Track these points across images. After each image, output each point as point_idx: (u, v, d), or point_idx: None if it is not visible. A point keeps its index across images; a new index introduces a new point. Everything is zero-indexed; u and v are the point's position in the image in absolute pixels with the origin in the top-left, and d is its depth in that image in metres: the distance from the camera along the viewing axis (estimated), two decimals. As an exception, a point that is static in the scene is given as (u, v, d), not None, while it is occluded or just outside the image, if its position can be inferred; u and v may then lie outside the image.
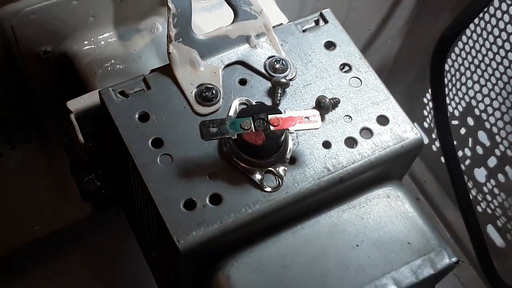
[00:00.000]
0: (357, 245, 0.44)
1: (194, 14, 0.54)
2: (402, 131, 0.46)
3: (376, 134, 0.46)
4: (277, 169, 0.43)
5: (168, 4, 0.45)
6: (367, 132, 0.46)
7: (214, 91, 0.46)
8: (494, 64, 0.74)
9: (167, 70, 0.47)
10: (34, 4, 0.48)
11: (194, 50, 0.46)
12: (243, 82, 0.47)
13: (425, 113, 0.92)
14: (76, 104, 0.47)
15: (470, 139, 0.83)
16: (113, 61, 0.54)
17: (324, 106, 0.45)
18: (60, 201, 0.71)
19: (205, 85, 0.46)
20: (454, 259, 0.44)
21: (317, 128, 0.43)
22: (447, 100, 0.84)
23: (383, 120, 0.46)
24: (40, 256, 0.77)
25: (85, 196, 0.55)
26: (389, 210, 0.45)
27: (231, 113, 0.45)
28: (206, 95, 0.45)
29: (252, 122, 0.42)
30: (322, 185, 0.44)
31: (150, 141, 0.44)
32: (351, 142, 0.45)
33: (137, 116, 0.45)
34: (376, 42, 0.83)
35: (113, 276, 0.79)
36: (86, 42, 0.53)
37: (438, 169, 0.93)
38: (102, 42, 0.54)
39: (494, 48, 0.73)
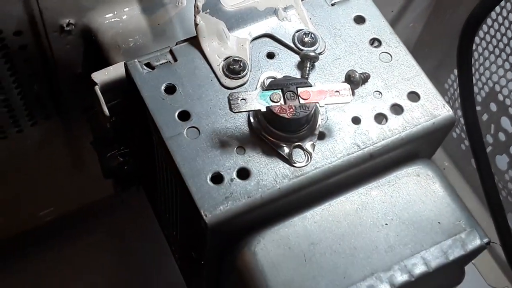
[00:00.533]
0: (386, 224, 0.43)
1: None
2: (434, 107, 0.45)
3: (406, 110, 0.44)
4: (306, 144, 0.42)
5: (196, -27, 0.44)
6: (397, 108, 0.45)
7: (241, 64, 0.45)
8: (519, 48, 0.72)
9: (194, 42, 0.46)
10: (59, -27, 0.47)
11: (222, 22, 0.45)
12: (271, 55, 0.46)
13: (446, 99, 0.90)
14: (101, 76, 0.46)
15: (492, 126, 0.82)
16: (137, 35, 0.52)
17: (354, 80, 0.44)
18: (79, 180, 0.70)
19: (232, 58, 0.45)
20: (485, 240, 0.43)
21: (348, 102, 0.42)
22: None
23: (414, 96, 0.45)
24: (57, 236, 0.76)
25: (107, 172, 0.54)
26: (419, 189, 0.44)
27: (259, 86, 0.44)
28: (233, 67, 0.44)
29: (282, 95, 0.41)
30: (352, 161, 0.43)
31: (176, 114, 0.43)
32: (381, 118, 0.44)
33: (163, 88, 0.44)
34: (398, 25, 0.82)
35: (132, 257, 0.79)
36: (109, 15, 0.52)
37: (458, 156, 0.91)
38: (126, 16, 0.53)
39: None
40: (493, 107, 0.81)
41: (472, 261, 0.83)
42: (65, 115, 0.61)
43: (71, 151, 0.66)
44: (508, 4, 0.72)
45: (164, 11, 0.53)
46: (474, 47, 0.80)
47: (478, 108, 0.83)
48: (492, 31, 0.76)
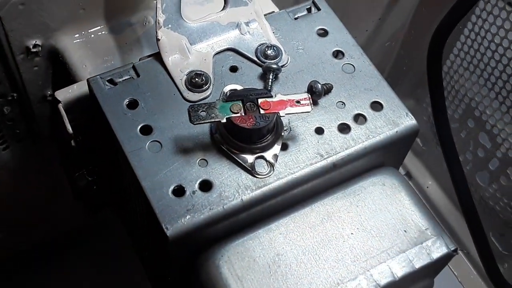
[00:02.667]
0: (352, 234, 0.43)
1: (187, 7, 0.53)
2: (397, 116, 0.45)
3: (370, 120, 0.44)
4: (269, 154, 0.42)
5: (157, -11, 0.45)
6: (360, 118, 0.45)
7: (204, 78, 0.45)
8: (493, 63, 0.73)
9: (156, 58, 0.46)
10: (23, -6, 0.48)
11: (184, 37, 0.46)
12: (234, 69, 0.46)
13: (425, 118, 0.91)
14: (64, 94, 0.46)
15: (471, 142, 0.82)
16: (104, 54, 0.53)
17: (316, 91, 0.44)
18: (54, 203, 0.69)
19: (195, 72, 0.45)
20: (452, 247, 0.43)
21: (308, 112, 0.41)
22: (447, 103, 0.83)
23: (377, 106, 0.45)
24: (34, 261, 0.75)
25: (76, 192, 0.53)
26: (384, 198, 0.44)
27: (221, 99, 0.44)
28: (196, 81, 0.44)
29: (242, 106, 0.41)
30: (315, 171, 0.42)
31: (138, 128, 0.43)
32: (344, 128, 0.44)
33: (125, 103, 0.44)
34: (374, 44, 0.82)
35: (111, 278, 0.78)
36: (76, 35, 0.53)
37: (440, 174, 0.91)
38: (93, 35, 0.53)
39: (493, 46, 0.72)
40: (471, 123, 0.81)
41: (454, 272, 0.83)
42: (38, 137, 0.61)
43: (44, 174, 0.65)
44: (480, 20, 0.73)
45: (131, 30, 0.54)
46: (449, 64, 0.81)
47: (456, 125, 0.83)
48: (465, 48, 0.77)
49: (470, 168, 0.83)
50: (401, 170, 0.96)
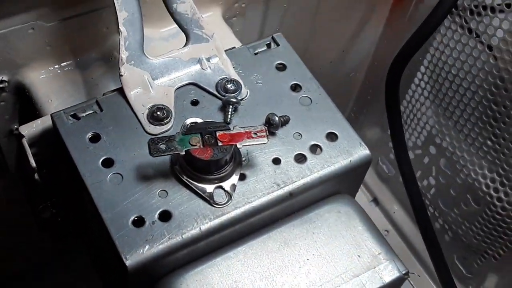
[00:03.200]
0: (308, 259, 0.44)
1: (152, 42, 0.55)
2: (351, 146, 0.47)
3: (325, 150, 0.46)
4: (227, 185, 0.44)
5: (120, 27, 0.46)
6: (316, 148, 0.46)
7: (165, 112, 0.46)
8: (451, 92, 0.76)
9: (119, 92, 0.47)
10: (-11, 32, 0.49)
11: (146, 72, 0.47)
12: (195, 102, 0.48)
13: (391, 145, 0.93)
14: (28, 129, 0.48)
15: (433, 168, 0.84)
16: (70, 89, 0.54)
17: (273, 123, 0.46)
18: (23, 242, 0.70)
19: (156, 106, 0.46)
20: (403, 271, 0.44)
21: (264, 143, 0.43)
22: (410, 131, 0.85)
23: (332, 136, 0.47)
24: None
25: (41, 224, 0.54)
26: (339, 225, 0.46)
27: (181, 131, 0.45)
28: (157, 115, 0.46)
29: (201, 138, 0.42)
30: (272, 200, 0.44)
31: (100, 161, 0.44)
32: (300, 158, 0.46)
33: (88, 137, 0.45)
34: (338, 75, 0.85)
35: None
36: (43, 71, 0.54)
37: (406, 200, 0.93)
38: (60, 71, 0.55)
39: (450, 76, 0.74)
40: (432, 149, 0.83)
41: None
42: (5, 172, 0.62)
43: (11, 206, 0.66)
44: (438, 52, 0.76)
45: (97, 66, 0.55)
46: (410, 93, 0.83)
47: (418, 151, 0.85)
48: (425, 78, 0.80)
49: (433, 193, 0.85)
50: (368, 196, 0.98)
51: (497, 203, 0.74)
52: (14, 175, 0.61)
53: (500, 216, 0.75)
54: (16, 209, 0.65)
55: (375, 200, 0.97)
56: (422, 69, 0.80)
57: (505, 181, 0.72)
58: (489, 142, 0.72)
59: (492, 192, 0.74)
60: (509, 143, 0.69)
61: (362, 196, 0.98)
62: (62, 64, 0.55)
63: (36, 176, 0.48)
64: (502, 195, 0.73)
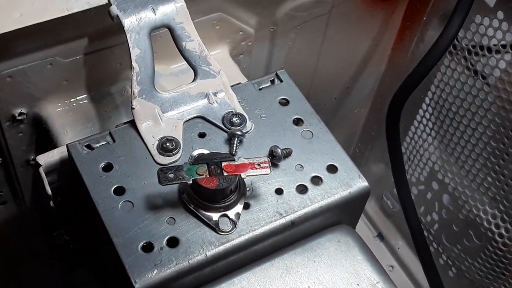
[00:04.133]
0: (309, 287, 0.46)
1: (162, 78, 0.59)
2: (350, 178, 0.49)
3: (325, 181, 0.49)
4: (232, 213, 0.46)
5: (132, 63, 0.50)
6: (317, 179, 0.49)
7: (174, 143, 0.49)
8: (452, 129, 0.78)
9: (131, 125, 0.50)
10: (10, 68, 0.52)
11: (157, 106, 0.50)
12: (202, 135, 0.51)
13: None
14: (45, 158, 0.50)
15: (436, 203, 0.86)
16: (85, 121, 0.57)
17: (276, 155, 0.48)
18: (35, 269, 0.72)
19: (166, 138, 0.49)
20: (402, 300, 0.46)
21: (267, 174, 0.46)
22: (413, 167, 0.87)
23: (332, 168, 0.49)
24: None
25: (54, 251, 0.56)
26: (339, 254, 0.48)
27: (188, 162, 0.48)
28: (166, 146, 0.49)
29: (207, 168, 0.45)
30: (275, 228, 0.46)
31: (112, 189, 0.47)
32: (302, 188, 0.48)
33: (101, 166, 0.48)
34: (343, 110, 0.88)
35: None
36: (59, 104, 0.57)
37: (392, 215, 0.94)
38: (75, 104, 0.58)
39: (451, 114, 0.77)
40: (435, 185, 0.85)
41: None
42: (21, 201, 0.64)
43: (26, 238, 0.68)
44: (438, 90, 0.79)
45: (110, 99, 0.59)
46: (413, 129, 0.86)
47: (421, 187, 0.87)
48: (427, 115, 0.82)
49: (436, 229, 0.87)
50: (373, 231, 0.99)
51: (498, 239, 0.75)
52: (29, 204, 0.64)
53: (502, 252, 0.76)
54: (30, 238, 0.67)
55: (380, 236, 0.99)
56: (424, 106, 0.82)
57: (505, 217, 0.73)
58: (489, 178, 0.74)
59: (493, 228, 0.76)
60: (509, 179, 0.71)
61: (366, 231, 0.99)
62: (77, 98, 0.58)
63: (51, 203, 0.50)
64: (503, 231, 0.75)
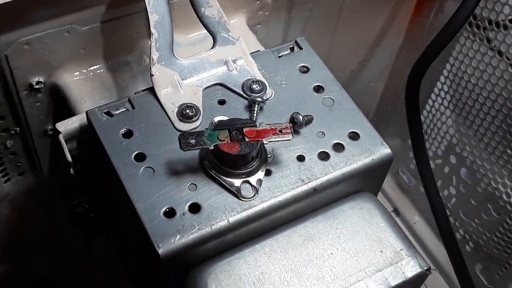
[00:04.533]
0: (332, 254, 0.46)
1: (180, 47, 0.58)
2: (372, 145, 0.49)
3: (347, 148, 0.48)
4: (253, 179, 0.46)
5: (151, 29, 0.49)
6: (339, 146, 0.48)
7: (194, 110, 0.49)
8: (471, 101, 0.77)
9: (150, 92, 0.50)
10: (28, 35, 0.52)
11: (176, 73, 0.50)
12: (222, 102, 0.50)
13: (411, 155, 0.94)
14: (65, 125, 0.50)
15: (454, 177, 0.86)
16: (102, 90, 0.57)
17: (297, 122, 0.48)
18: (54, 234, 0.72)
19: (185, 104, 0.49)
20: (425, 267, 0.46)
21: (289, 140, 0.45)
22: (430, 140, 0.87)
23: (354, 135, 0.49)
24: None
25: (74, 219, 0.56)
26: (362, 221, 0.47)
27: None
28: (186, 112, 0.48)
29: (228, 134, 0.45)
30: (297, 195, 0.46)
31: (133, 156, 0.47)
32: (324, 155, 0.48)
33: (121, 133, 0.48)
34: (359, 84, 0.87)
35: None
36: (77, 73, 0.57)
37: (427, 210, 0.94)
38: (92, 73, 0.57)
39: (470, 86, 0.76)
40: (453, 159, 0.85)
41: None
42: (39, 170, 0.64)
43: (44, 208, 0.68)
44: (457, 62, 0.78)
45: (128, 68, 0.58)
46: (431, 103, 0.85)
47: (439, 161, 0.87)
48: (445, 87, 0.82)
49: (454, 203, 0.87)
50: (388, 206, 0.99)
51: (517, 212, 0.75)
52: (47, 175, 0.64)
53: (521, 226, 0.76)
54: (49, 209, 0.68)
55: (396, 211, 0.99)
56: (442, 79, 0.81)
57: (525, 190, 0.73)
58: (508, 151, 0.74)
59: (512, 201, 0.76)
60: (528, 151, 0.71)
61: (382, 207, 0.99)
62: (94, 67, 0.57)
63: (71, 171, 0.50)
64: (522, 205, 0.74)
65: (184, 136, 0.44)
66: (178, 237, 0.43)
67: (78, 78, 0.57)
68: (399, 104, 0.91)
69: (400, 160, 0.95)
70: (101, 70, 0.58)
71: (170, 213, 0.44)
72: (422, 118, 0.86)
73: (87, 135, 0.49)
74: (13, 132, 0.59)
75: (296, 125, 0.48)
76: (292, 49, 0.54)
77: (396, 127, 0.94)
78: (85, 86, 0.57)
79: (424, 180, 0.77)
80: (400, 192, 0.97)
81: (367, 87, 0.89)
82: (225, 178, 0.45)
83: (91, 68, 0.57)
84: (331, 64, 0.78)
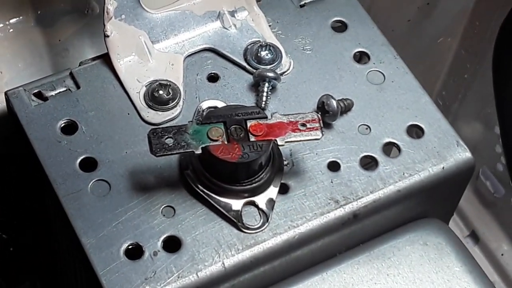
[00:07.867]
0: (380, 315, 0.46)
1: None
2: (444, 147, 0.49)
3: (405, 151, 0.48)
4: (262, 200, 0.46)
5: (105, -35, 0.49)
6: (392, 148, 0.49)
7: (170, 90, 0.49)
8: None
9: (104, 62, 0.50)
10: None
11: (143, 32, 0.50)
12: (213, 78, 0.50)
13: (499, 149, 0.94)
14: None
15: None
16: (28, 56, 0.57)
17: (329, 109, 0.48)
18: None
19: (158, 82, 0.49)
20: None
21: (318, 139, 0.45)
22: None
23: (415, 131, 0.49)
24: None
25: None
26: (427, 264, 0.48)
27: (194, 120, 0.48)
28: (159, 95, 0.48)
29: (224, 130, 0.45)
30: (328, 223, 0.46)
31: (78, 162, 0.47)
32: (369, 162, 0.48)
33: (59, 126, 0.48)
34: (419, 41, 0.87)
35: None
36: (-11, 29, 0.57)
37: (493, 203, 0.94)
38: (12, 30, 0.57)
39: None
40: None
41: None
42: None
43: None
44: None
45: (67, 22, 0.58)
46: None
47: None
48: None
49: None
50: (463, 228, 1.00)
51: None
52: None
53: None
54: None
55: (473, 235, 0.99)
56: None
57: None
58: None
59: None
60: None
61: (454, 229, 0.99)
62: (15, 20, 0.57)
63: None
64: None
65: (156, 134, 0.44)
66: (146, 289, 0.43)
67: (-8, 36, 0.57)
68: (481, 71, 0.91)
69: (482, 157, 0.95)
70: (26, 25, 0.57)
71: (135, 253, 0.44)
72: None
73: (5, 129, 0.49)
74: None
75: (327, 114, 0.48)
76: (321, -6, 0.54)
77: (475, 106, 0.94)
78: (2, 49, 0.56)
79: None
80: (481, 206, 0.97)
81: (432, 45, 0.89)
82: (218, 198, 0.46)
83: (12, 21, 0.57)
84: (377, 10, 0.79)
